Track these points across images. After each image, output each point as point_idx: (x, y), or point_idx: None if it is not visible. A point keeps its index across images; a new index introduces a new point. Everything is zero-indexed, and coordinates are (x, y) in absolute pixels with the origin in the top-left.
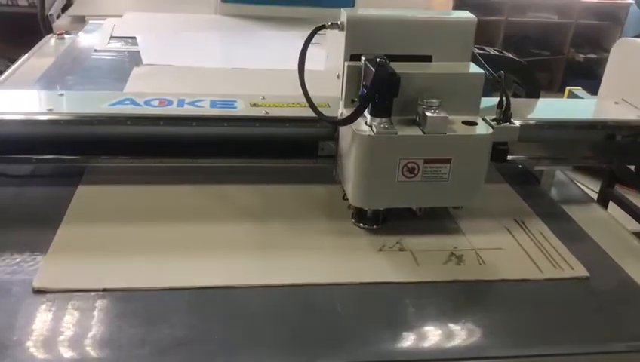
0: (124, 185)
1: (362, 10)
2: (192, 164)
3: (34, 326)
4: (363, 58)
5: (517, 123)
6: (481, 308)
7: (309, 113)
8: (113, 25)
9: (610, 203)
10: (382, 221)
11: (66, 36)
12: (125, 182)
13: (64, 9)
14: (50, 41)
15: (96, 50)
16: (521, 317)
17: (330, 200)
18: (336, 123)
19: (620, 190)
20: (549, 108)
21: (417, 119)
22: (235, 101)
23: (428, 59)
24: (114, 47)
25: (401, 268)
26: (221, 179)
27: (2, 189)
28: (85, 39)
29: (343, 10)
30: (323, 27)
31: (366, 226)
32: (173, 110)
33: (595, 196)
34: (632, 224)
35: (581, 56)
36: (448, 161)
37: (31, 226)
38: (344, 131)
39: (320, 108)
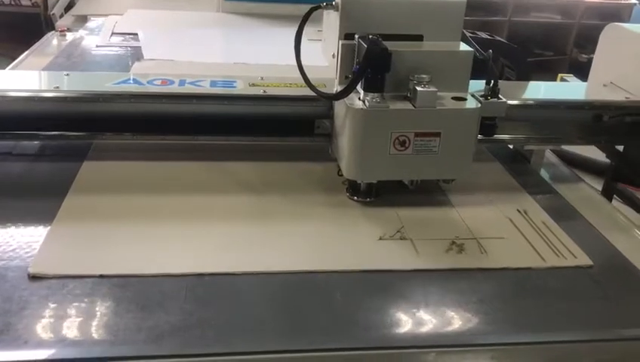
0: (127, 161)
1: None
2: (193, 142)
3: (28, 311)
4: (356, 36)
5: (504, 99)
6: (484, 295)
7: (305, 92)
8: (115, 22)
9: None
10: (375, 194)
11: (67, 33)
12: (129, 158)
13: (67, 8)
14: (52, 38)
15: (97, 46)
16: (525, 304)
17: (326, 176)
18: (331, 97)
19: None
20: (538, 90)
21: (408, 95)
22: (235, 81)
23: (419, 38)
24: (116, 42)
25: (402, 256)
26: (220, 156)
27: (10, 165)
28: (87, 36)
29: None
30: (318, 7)
31: (360, 199)
32: (174, 89)
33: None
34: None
35: (584, 56)
36: (438, 135)
37: (37, 200)
38: (338, 107)
39: (299, 88)
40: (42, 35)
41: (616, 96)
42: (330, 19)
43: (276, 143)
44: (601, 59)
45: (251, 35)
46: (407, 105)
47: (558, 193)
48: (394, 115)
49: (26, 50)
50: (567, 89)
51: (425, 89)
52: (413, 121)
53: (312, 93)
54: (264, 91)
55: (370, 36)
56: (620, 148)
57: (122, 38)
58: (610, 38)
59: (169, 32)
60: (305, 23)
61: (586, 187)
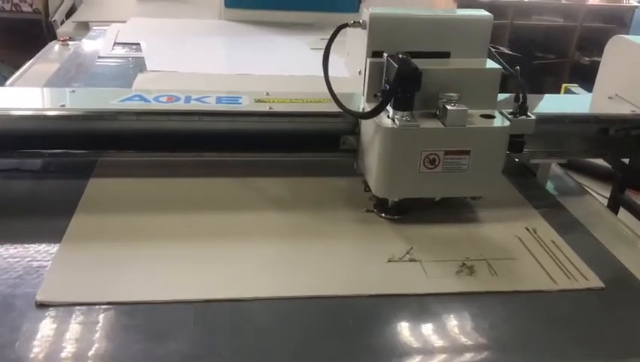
0: (133, 178)
1: (383, 9)
2: (201, 158)
3: (36, 341)
4: (385, 55)
5: (532, 116)
6: (495, 321)
7: (328, 108)
8: (117, 31)
9: (621, 209)
10: (402, 211)
11: (69, 42)
12: (135, 175)
13: (68, 15)
14: (54, 47)
15: (100, 57)
16: (537, 330)
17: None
18: (361, 116)
19: (630, 195)
20: (544, 103)
21: (438, 113)
22: (241, 97)
23: (446, 55)
24: (118, 53)
25: (412, 280)
26: (234, 173)
27: (17, 183)
28: (89, 45)
29: (365, 9)
30: (346, 25)
31: (388, 216)
32: (180, 106)
33: (605, 202)
34: None
35: (586, 59)
36: (467, 153)
37: (44, 219)
38: (366, 125)
39: (322, 103)
40: (43, 42)
41: (622, 110)
42: (357, 36)
43: (292, 159)
44: (606, 71)
45: (254, 44)
46: (437, 124)
47: (565, 208)
48: (424, 133)
49: (27, 56)
50: (572, 102)
51: (455, 108)
52: (443, 140)
53: (337, 110)
54: (270, 108)
55: (400, 55)
56: (626, 160)
57: (125, 49)
58: (615, 50)
59: (171, 41)
60: (332, 42)
61: (593, 201)
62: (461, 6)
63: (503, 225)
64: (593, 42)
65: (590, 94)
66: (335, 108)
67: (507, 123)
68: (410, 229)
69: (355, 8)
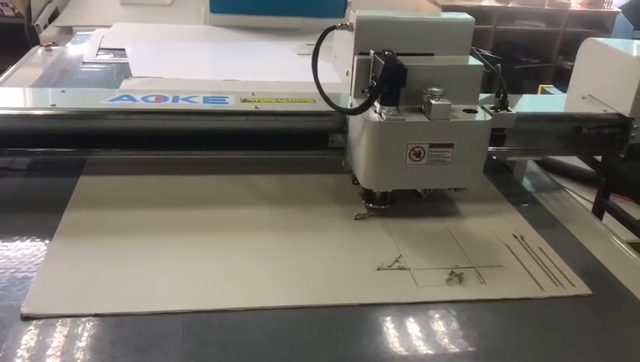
0: (123, 175)
1: (369, 12)
2: (187, 157)
3: (21, 354)
4: (372, 52)
5: (513, 111)
6: (485, 329)
7: (303, 108)
8: (101, 36)
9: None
10: (390, 201)
11: (53, 47)
12: (124, 173)
13: (51, 19)
14: (38, 52)
15: (84, 63)
16: (526, 338)
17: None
18: (351, 112)
19: (614, 199)
20: (521, 102)
21: (422, 107)
22: (227, 97)
23: (429, 55)
24: (103, 59)
25: (401, 288)
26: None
27: (8, 181)
28: (73, 51)
29: (352, 12)
30: (334, 28)
31: (375, 206)
32: (168, 105)
33: (589, 207)
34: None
35: (569, 63)
36: (451, 146)
37: (32, 219)
38: (354, 120)
39: (305, 103)
40: (26, 46)
41: (595, 109)
42: (344, 39)
43: (280, 157)
44: (580, 72)
45: (240, 50)
46: (422, 118)
47: (542, 205)
48: (410, 127)
49: (9, 61)
50: (547, 101)
51: (439, 102)
52: (427, 133)
53: (325, 109)
54: (256, 107)
55: (387, 52)
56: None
57: (109, 54)
58: (587, 52)
59: (156, 47)
60: (320, 45)
61: (568, 197)
62: (446, 11)
63: (490, 229)
64: (576, 47)
65: (565, 95)
66: (322, 108)
67: (489, 117)
68: (398, 235)
69: (341, 13)
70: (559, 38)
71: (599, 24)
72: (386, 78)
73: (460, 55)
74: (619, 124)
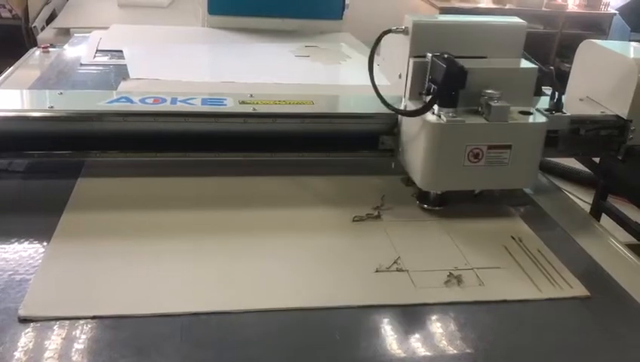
0: (120, 177)
1: (424, 17)
2: (185, 158)
3: (17, 357)
4: (429, 55)
5: (567, 113)
6: (483, 330)
7: (302, 110)
8: (99, 38)
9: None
10: (444, 202)
11: (50, 49)
12: (122, 175)
13: (48, 21)
14: (35, 53)
15: (82, 64)
16: (524, 339)
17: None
18: (412, 114)
19: (612, 201)
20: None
21: (480, 109)
22: (225, 99)
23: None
24: (100, 60)
25: (400, 290)
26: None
27: (6, 183)
28: (71, 52)
29: (407, 15)
30: (389, 31)
31: (429, 207)
32: (167, 107)
33: (587, 208)
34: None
35: (566, 65)
36: (509, 147)
37: (30, 222)
38: (409, 122)
39: (304, 105)
40: (23, 48)
41: (592, 111)
42: (397, 42)
43: (275, 158)
44: (577, 74)
45: (237, 51)
46: (481, 120)
47: (539, 206)
48: (469, 129)
49: (7, 62)
50: (545, 103)
51: (498, 104)
52: (486, 135)
53: (326, 111)
54: (254, 109)
55: (446, 55)
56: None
57: (107, 56)
58: (585, 54)
59: (154, 49)
60: (376, 48)
61: (566, 198)
62: (443, 12)
63: (488, 231)
64: (573, 49)
65: (563, 96)
66: (321, 110)
67: (545, 119)
68: (396, 237)
69: (339, 15)
70: (557, 39)
71: (596, 26)
72: (448, 80)
73: (513, 58)
74: (616, 126)
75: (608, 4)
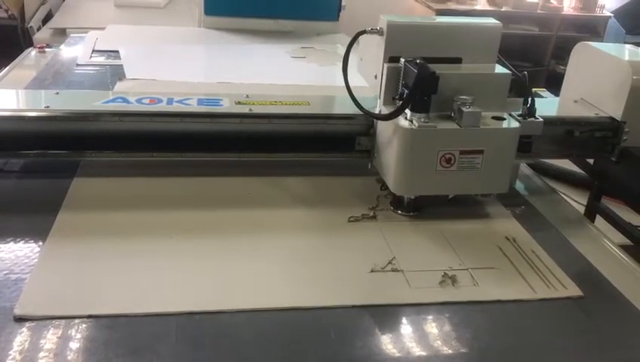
0: (116, 177)
1: (398, 17)
2: (181, 158)
3: (12, 356)
4: (402, 60)
5: (540, 119)
6: (477, 330)
7: (298, 110)
8: (95, 38)
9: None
10: (417, 208)
11: (47, 49)
12: (117, 175)
13: (45, 21)
14: (31, 54)
15: (78, 65)
16: (518, 339)
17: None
18: (383, 118)
19: (606, 202)
20: (513, 105)
21: (452, 115)
22: (221, 99)
23: (458, 61)
24: (96, 60)
25: (395, 290)
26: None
27: (1, 182)
28: (67, 53)
29: (381, 16)
30: (364, 32)
31: (404, 213)
32: (162, 107)
33: (582, 209)
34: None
35: (562, 67)
36: (481, 152)
37: (26, 222)
38: (383, 126)
39: (300, 106)
40: (19, 48)
41: (587, 113)
42: (373, 43)
43: (272, 159)
44: (572, 76)
45: (233, 52)
46: (453, 125)
47: (534, 207)
48: (441, 134)
49: (3, 62)
50: (540, 105)
51: (470, 110)
52: (458, 140)
53: (321, 112)
54: (250, 110)
55: (418, 60)
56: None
57: (103, 57)
58: (580, 56)
59: (150, 49)
60: (351, 48)
61: (560, 199)
62: (440, 14)
63: (483, 231)
64: (568, 51)
65: (557, 98)
66: (317, 111)
67: (517, 124)
68: (391, 237)
69: (335, 16)
70: (552, 42)
71: (591, 28)
72: (419, 86)
73: (488, 62)
74: (610, 128)
75: (603, 7)
